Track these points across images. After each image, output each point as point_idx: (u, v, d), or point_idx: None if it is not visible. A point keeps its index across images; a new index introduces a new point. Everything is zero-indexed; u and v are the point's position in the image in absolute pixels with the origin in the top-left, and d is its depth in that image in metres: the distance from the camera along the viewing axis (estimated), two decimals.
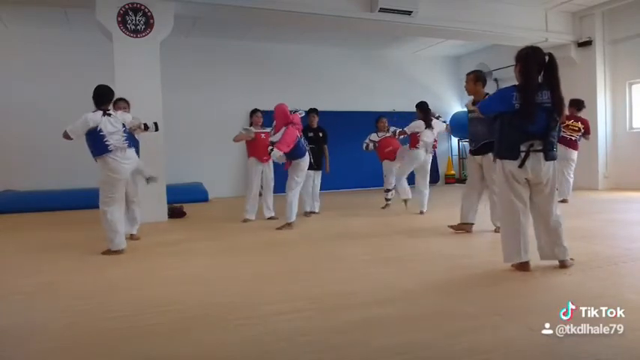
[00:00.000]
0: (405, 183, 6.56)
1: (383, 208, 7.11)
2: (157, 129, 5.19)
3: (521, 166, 3.05)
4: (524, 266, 3.17)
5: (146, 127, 5.00)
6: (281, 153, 5.13)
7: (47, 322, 2.48)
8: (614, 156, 9.35)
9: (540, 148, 3.06)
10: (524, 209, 3.17)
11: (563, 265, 3.18)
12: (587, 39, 9.25)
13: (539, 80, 3.07)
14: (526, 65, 3.06)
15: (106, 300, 2.87)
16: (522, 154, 3.05)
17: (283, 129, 5.24)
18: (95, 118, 4.14)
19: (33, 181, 8.76)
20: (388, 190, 7.18)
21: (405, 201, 6.60)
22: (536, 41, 8.99)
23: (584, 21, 9.32)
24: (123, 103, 5.05)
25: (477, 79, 4.51)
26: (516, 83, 3.14)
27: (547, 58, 3.05)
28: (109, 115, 4.23)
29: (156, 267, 3.79)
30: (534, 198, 3.20)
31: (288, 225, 5.44)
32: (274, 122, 5.48)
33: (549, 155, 3.08)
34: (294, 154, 5.38)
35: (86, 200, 8.14)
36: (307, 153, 5.57)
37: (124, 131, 4.29)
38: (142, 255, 4.23)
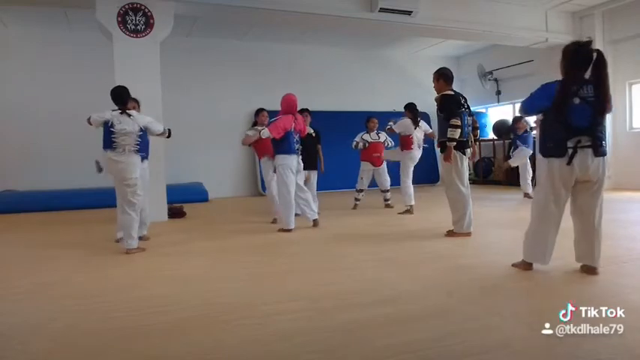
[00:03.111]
0: (411, 189, 6.49)
1: (353, 208, 7.15)
2: (169, 135, 5.09)
3: (569, 163, 2.91)
4: (527, 266, 3.17)
5: (169, 134, 4.89)
6: (268, 133, 5.09)
7: (47, 322, 2.47)
8: (614, 156, 9.32)
9: (589, 143, 2.91)
10: (558, 214, 3.06)
11: (592, 271, 3.03)
12: (587, 39, 9.17)
13: (587, 77, 2.99)
14: (571, 61, 3.02)
15: (106, 300, 2.87)
16: (570, 151, 2.91)
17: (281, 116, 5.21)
18: (113, 114, 4.27)
19: (33, 181, 8.77)
20: (360, 191, 7.29)
21: (411, 207, 6.43)
22: (536, 41, 9.01)
23: (584, 21, 9.31)
24: (132, 102, 5.02)
25: (438, 77, 4.87)
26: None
27: (595, 54, 2.99)
28: (128, 115, 4.29)
29: (156, 267, 3.79)
30: (579, 198, 3.05)
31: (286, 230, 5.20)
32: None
33: (599, 151, 2.93)
34: (280, 147, 5.20)
35: (86, 200, 8.19)
36: (296, 154, 5.24)
37: (140, 136, 4.32)
38: (142, 255, 4.23)
